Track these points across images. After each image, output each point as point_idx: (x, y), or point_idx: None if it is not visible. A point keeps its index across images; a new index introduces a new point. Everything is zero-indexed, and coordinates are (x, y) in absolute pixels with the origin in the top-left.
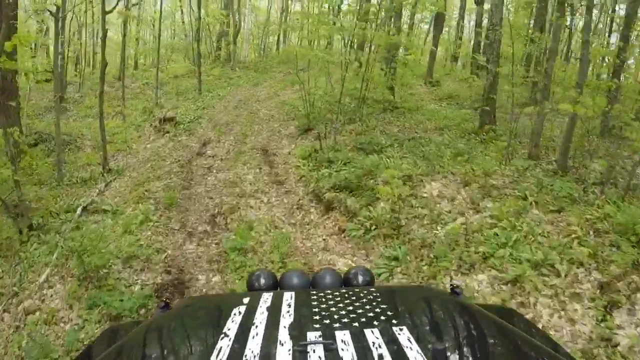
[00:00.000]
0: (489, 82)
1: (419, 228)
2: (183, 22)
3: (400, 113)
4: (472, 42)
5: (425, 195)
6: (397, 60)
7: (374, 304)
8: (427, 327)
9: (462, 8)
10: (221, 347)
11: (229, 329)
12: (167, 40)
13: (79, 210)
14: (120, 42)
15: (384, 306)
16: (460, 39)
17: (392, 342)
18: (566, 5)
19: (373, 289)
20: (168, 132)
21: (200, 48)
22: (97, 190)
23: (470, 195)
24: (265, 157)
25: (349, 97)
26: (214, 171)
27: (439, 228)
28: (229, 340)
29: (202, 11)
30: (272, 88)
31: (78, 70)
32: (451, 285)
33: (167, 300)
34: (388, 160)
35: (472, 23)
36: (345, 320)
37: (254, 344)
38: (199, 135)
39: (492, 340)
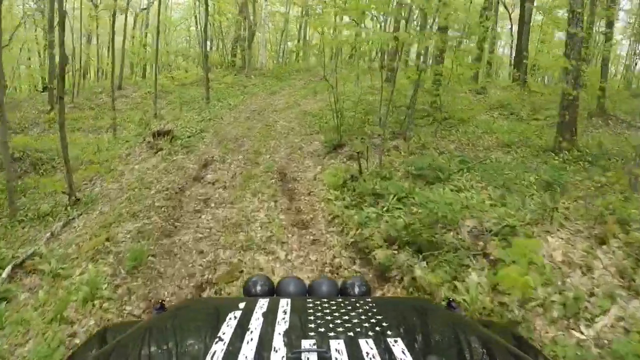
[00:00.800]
0: (571, 85)
1: (548, 326)
2: (197, 28)
3: (451, 125)
4: (514, 44)
5: (544, 260)
6: (458, 51)
7: (370, 314)
8: (422, 340)
9: (495, 12)
10: (215, 351)
11: (223, 333)
12: (178, 47)
13: (7, 270)
14: (128, 47)
15: (380, 317)
16: (493, 44)
17: (386, 353)
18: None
19: (369, 300)
20: (161, 149)
21: (207, 50)
22: (50, 234)
23: (615, 262)
24: (283, 183)
25: (384, 103)
26: (212, 205)
27: (582, 327)
28: (224, 344)
29: (212, 7)
30: (291, 96)
31: (84, 79)
32: (448, 299)
33: (163, 302)
34: (466, 196)
35: (499, 30)
36: (340, 329)
37: (248, 349)
38: (200, 153)
39: (485, 355)
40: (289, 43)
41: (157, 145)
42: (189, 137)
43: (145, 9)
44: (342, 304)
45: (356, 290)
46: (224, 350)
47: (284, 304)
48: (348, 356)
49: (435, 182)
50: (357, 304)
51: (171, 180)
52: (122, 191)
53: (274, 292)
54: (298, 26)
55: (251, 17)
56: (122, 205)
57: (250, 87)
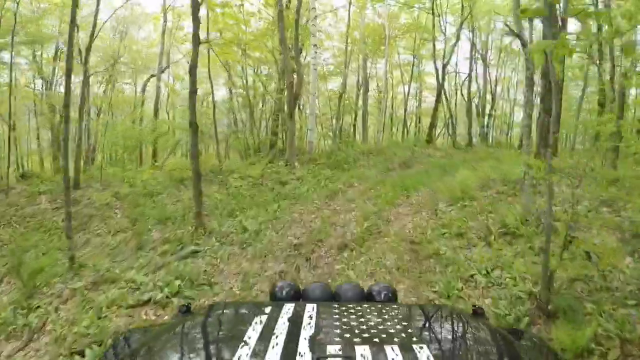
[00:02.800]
0: None
1: None
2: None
3: None
4: None
5: None
6: None
7: (395, 320)
8: (448, 346)
9: None
10: (240, 356)
11: (249, 337)
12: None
13: None
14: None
15: (405, 323)
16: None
17: None
18: None
19: (395, 306)
20: None
21: (196, 109)
22: None
23: None
24: None
25: None
26: None
27: None
28: (249, 348)
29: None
30: (366, 200)
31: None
32: (473, 306)
33: (189, 304)
34: None
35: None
36: (366, 335)
37: (273, 354)
38: None
39: None
40: (346, 117)
41: None
42: None
43: (153, 75)
44: (368, 310)
45: (382, 295)
46: (249, 355)
47: (310, 309)
48: None
49: None
50: (383, 310)
51: None
52: None
53: (300, 297)
54: (355, 95)
55: (294, 75)
56: None
57: (293, 183)
